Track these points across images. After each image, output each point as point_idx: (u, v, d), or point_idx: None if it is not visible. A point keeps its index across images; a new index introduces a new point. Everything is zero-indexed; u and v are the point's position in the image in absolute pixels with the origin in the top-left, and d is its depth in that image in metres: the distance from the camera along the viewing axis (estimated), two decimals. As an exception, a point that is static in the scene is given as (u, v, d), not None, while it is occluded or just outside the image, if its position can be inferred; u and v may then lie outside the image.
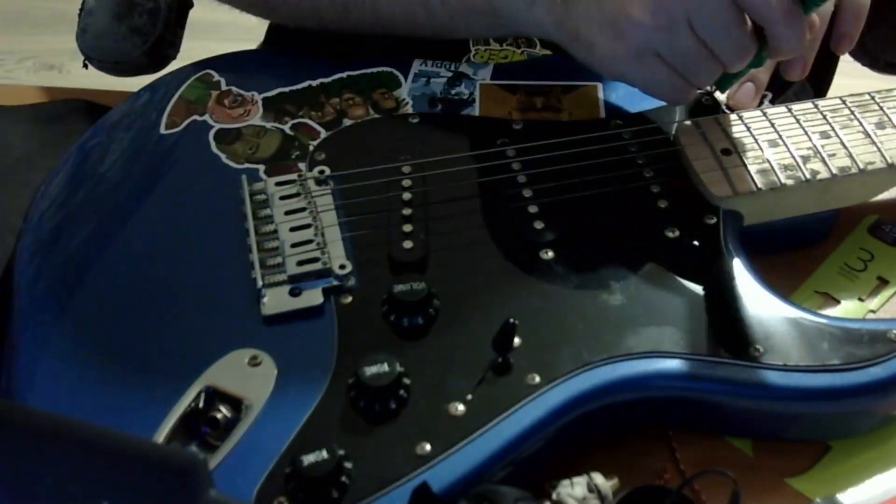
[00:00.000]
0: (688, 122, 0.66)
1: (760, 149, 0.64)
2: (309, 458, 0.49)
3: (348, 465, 0.49)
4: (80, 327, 0.57)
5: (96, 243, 0.61)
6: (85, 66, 0.85)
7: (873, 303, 0.64)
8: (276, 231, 0.60)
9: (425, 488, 0.48)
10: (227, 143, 0.66)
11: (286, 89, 0.69)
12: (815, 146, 0.64)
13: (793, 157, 0.63)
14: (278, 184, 0.63)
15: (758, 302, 0.57)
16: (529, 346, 0.54)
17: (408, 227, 0.60)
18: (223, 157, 0.65)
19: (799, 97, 0.67)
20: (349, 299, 0.57)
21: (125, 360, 0.55)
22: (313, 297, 0.57)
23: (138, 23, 0.81)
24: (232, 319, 0.56)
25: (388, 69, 0.71)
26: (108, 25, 0.82)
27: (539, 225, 0.60)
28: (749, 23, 0.58)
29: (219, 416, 0.52)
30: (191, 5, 0.86)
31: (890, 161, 0.64)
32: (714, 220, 0.61)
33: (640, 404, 0.55)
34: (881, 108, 0.67)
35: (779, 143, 0.64)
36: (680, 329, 0.55)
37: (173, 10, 0.83)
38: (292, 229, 0.60)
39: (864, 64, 0.84)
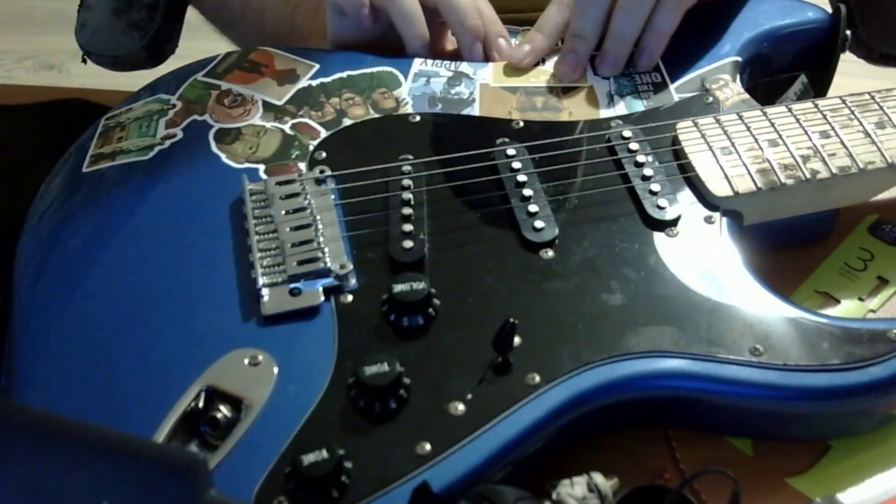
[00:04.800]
0: (688, 122, 0.66)
1: (760, 148, 0.64)
2: (309, 458, 0.49)
3: (348, 464, 0.49)
4: (80, 327, 0.57)
5: (96, 243, 0.61)
6: (84, 60, 0.85)
7: (873, 302, 0.64)
8: (276, 231, 0.60)
9: (425, 488, 0.48)
10: (227, 142, 0.66)
11: (286, 89, 0.69)
12: (815, 146, 0.64)
13: (793, 156, 0.63)
14: (278, 183, 0.63)
15: (758, 302, 0.57)
16: (529, 345, 0.54)
17: (408, 227, 0.60)
18: (223, 156, 0.65)
19: (799, 97, 0.67)
20: (349, 299, 0.57)
21: (125, 359, 0.55)
22: (313, 296, 0.57)
23: (137, 17, 0.81)
24: (232, 319, 0.56)
25: (388, 69, 0.71)
26: (106, 20, 0.82)
27: (539, 224, 0.60)
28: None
29: (219, 416, 0.52)
30: (188, 0, 0.86)
31: (890, 161, 0.64)
32: (714, 220, 0.61)
33: (640, 404, 0.55)
34: (881, 108, 0.66)
35: (779, 143, 0.64)
36: (680, 328, 0.55)
37: (171, 4, 0.83)
38: (292, 229, 0.60)
39: (858, 56, 0.83)
